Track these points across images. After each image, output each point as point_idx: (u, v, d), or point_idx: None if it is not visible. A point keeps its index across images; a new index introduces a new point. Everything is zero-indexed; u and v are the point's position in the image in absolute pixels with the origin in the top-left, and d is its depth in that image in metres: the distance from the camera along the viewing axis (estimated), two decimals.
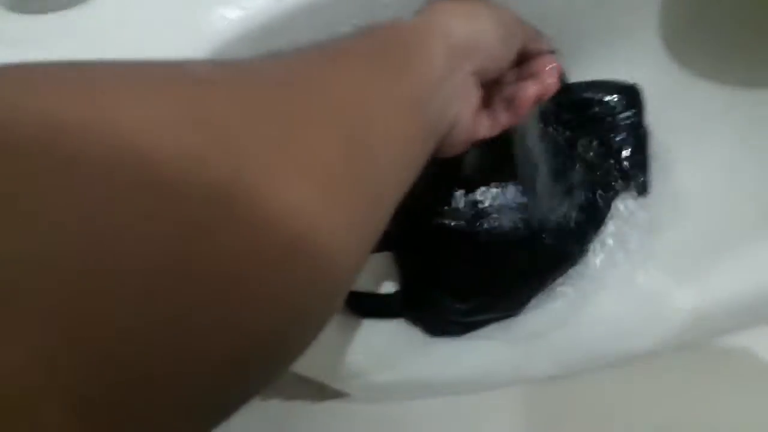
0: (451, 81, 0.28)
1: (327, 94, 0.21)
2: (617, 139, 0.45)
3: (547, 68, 0.34)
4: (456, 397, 0.32)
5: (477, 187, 0.46)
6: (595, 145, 0.46)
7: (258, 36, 0.36)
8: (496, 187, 0.45)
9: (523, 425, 0.29)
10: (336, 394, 0.34)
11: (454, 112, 0.29)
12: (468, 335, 0.43)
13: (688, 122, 0.47)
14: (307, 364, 0.37)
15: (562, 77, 0.45)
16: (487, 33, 0.30)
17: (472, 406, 0.31)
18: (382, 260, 0.46)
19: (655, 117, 0.46)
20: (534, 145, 0.44)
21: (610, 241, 0.44)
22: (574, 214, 0.44)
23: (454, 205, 0.46)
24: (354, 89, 0.22)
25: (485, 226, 0.45)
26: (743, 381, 0.30)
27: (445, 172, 0.46)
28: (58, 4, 0.36)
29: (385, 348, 0.42)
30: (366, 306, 0.44)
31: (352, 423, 0.31)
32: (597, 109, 0.46)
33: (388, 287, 0.45)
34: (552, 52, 0.36)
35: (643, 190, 0.45)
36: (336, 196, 0.19)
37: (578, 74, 0.47)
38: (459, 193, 0.46)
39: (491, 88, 0.33)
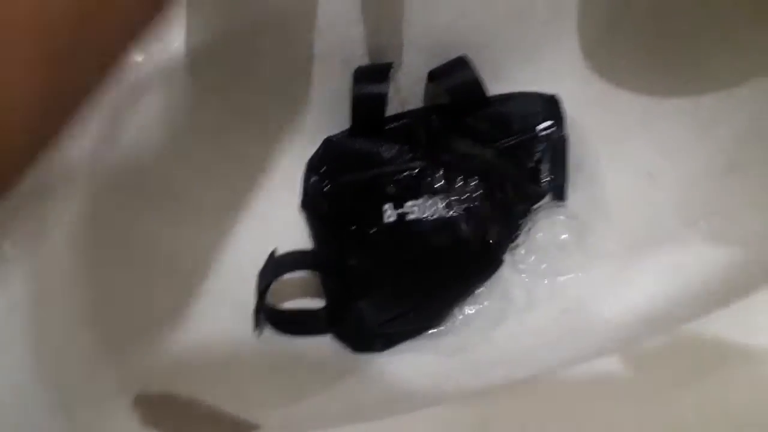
0: None
1: None
2: (537, 150, 0.45)
3: None
4: (374, 423, 0.31)
5: (405, 200, 0.46)
6: (515, 157, 0.46)
7: None
8: (424, 200, 0.45)
9: None
10: (249, 427, 0.33)
11: None
12: (393, 350, 0.42)
13: (608, 131, 0.47)
14: (222, 392, 0.36)
15: (481, 90, 0.45)
16: None
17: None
18: (308, 279, 0.45)
19: (576, 127, 0.47)
20: (458, 159, 0.44)
21: (531, 252, 0.44)
22: (494, 226, 0.44)
23: (381, 217, 0.45)
24: None
25: (412, 237, 0.45)
26: (664, 388, 0.30)
27: (374, 183, 0.46)
28: None
29: (310, 370, 0.41)
30: (291, 323, 0.43)
31: None
32: (516, 121, 0.46)
33: (314, 305, 0.44)
34: None
35: (560, 198, 0.45)
36: None
37: (500, 87, 0.47)
38: (387, 206, 0.46)
39: None
